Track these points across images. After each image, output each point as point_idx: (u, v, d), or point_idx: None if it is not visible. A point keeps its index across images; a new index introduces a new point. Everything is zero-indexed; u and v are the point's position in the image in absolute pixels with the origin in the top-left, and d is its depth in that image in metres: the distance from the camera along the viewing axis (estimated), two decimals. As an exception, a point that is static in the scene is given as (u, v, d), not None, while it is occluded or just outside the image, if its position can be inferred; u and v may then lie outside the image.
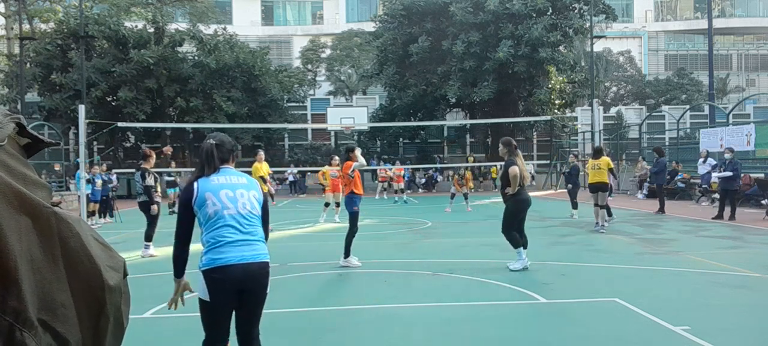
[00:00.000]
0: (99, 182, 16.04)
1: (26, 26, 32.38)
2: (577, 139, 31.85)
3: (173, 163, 19.20)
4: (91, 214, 15.74)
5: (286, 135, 35.25)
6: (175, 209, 17.25)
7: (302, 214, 17.90)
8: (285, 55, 54.35)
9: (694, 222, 13.82)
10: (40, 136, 1.06)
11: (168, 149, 16.13)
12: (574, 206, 15.31)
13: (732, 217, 13.71)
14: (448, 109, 34.82)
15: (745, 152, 18.79)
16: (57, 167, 24.82)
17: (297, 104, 36.68)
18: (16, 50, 31.22)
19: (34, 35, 30.85)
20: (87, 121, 16.04)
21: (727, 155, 14.31)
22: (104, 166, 18.40)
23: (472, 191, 23.75)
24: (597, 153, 13.28)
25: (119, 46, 29.18)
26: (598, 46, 39.25)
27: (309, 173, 29.61)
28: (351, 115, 30.25)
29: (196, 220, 3.20)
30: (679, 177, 21.18)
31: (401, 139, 34.49)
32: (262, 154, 13.34)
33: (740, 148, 17.82)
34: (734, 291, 6.57)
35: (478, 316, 5.68)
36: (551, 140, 35.17)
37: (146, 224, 9.63)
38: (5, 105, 30.82)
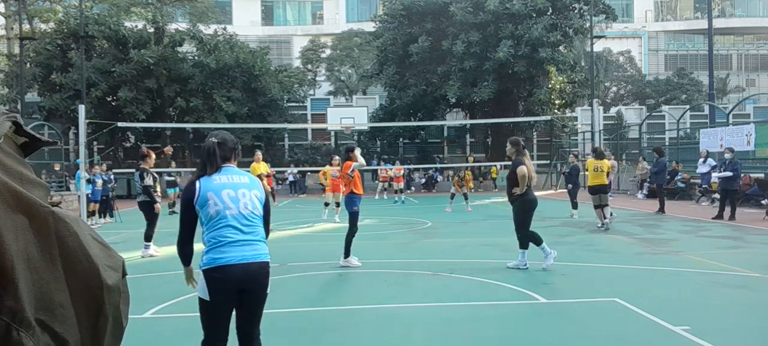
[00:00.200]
0: (99, 181, 16.03)
1: (26, 26, 32.39)
2: (577, 139, 31.85)
3: (173, 164, 19.21)
4: (91, 214, 15.74)
5: (286, 135, 35.25)
6: (176, 208, 17.27)
7: (302, 214, 17.89)
8: (285, 55, 54.37)
9: (694, 222, 13.82)
10: (37, 135, 1.06)
11: (169, 149, 16.13)
12: (574, 206, 15.32)
13: (732, 217, 13.70)
14: (448, 109, 34.82)
15: (745, 152, 18.79)
16: (57, 167, 24.81)
17: (297, 104, 36.69)
18: (16, 50, 31.23)
19: (34, 35, 30.86)
20: (87, 121, 16.04)
21: (727, 155, 14.31)
22: (104, 166, 18.40)
23: (472, 191, 23.76)
24: (599, 155, 13.30)
25: (119, 46, 29.18)
26: (598, 46, 39.25)
27: (309, 173, 29.63)
28: (351, 115, 30.25)
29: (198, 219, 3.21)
30: (679, 177, 21.18)
31: (401, 139, 34.49)
32: (259, 154, 13.36)
33: (740, 148, 17.81)
34: (734, 291, 6.57)
35: (478, 316, 5.67)
36: (551, 140, 35.17)
37: (146, 224, 9.63)
38: (5, 105, 30.83)
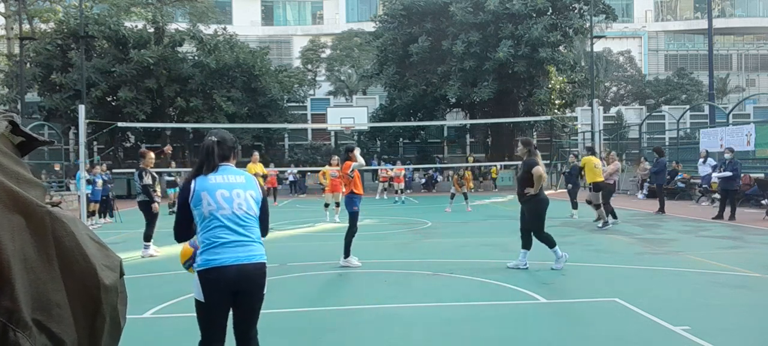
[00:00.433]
0: (99, 182, 16.03)
1: (26, 26, 32.39)
2: (577, 139, 31.84)
3: (173, 163, 19.20)
4: (91, 214, 15.74)
5: (286, 135, 35.26)
6: (175, 208, 17.24)
7: (302, 214, 17.89)
8: (285, 55, 54.37)
9: (694, 222, 13.81)
10: (34, 135, 1.05)
11: (168, 149, 16.12)
12: (574, 206, 15.31)
13: (732, 217, 13.69)
14: (448, 109, 34.82)
15: (745, 152, 18.78)
16: (57, 167, 24.81)
17: (297, 104, 36.69)
18: (16, 50, 31.23)
19: (34, 35, 30.86)
20: (87, 121, 16.03)
21: (727, 155, 14.30)
22: (104, 166, 18.39)
23: (472, 191, 23.75)
24: (591, 152, 13.43)
25: (119, 46, 29.19)
26: (598, 46, 39.24)
27: (309, 173, 29.62)
28: (351, 115, 30.24)
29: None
30: (679, 177, 21.17)
31: (401, 139, 34.49)
32: (256, 155, 13.39)
33: (740, 148, 17.81)
34: (734, 291, 6.56)
35: (478, 316, 5.67)
36: (551, 140, 35.17)
37: (145, 224, 9.63)
38: (5, 105, 30.85)
